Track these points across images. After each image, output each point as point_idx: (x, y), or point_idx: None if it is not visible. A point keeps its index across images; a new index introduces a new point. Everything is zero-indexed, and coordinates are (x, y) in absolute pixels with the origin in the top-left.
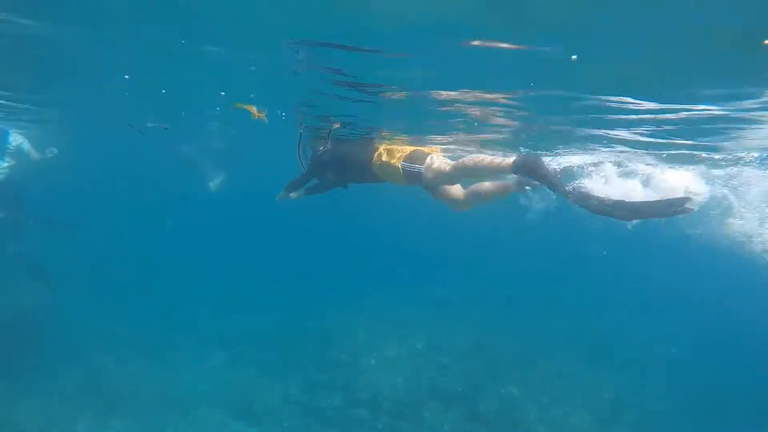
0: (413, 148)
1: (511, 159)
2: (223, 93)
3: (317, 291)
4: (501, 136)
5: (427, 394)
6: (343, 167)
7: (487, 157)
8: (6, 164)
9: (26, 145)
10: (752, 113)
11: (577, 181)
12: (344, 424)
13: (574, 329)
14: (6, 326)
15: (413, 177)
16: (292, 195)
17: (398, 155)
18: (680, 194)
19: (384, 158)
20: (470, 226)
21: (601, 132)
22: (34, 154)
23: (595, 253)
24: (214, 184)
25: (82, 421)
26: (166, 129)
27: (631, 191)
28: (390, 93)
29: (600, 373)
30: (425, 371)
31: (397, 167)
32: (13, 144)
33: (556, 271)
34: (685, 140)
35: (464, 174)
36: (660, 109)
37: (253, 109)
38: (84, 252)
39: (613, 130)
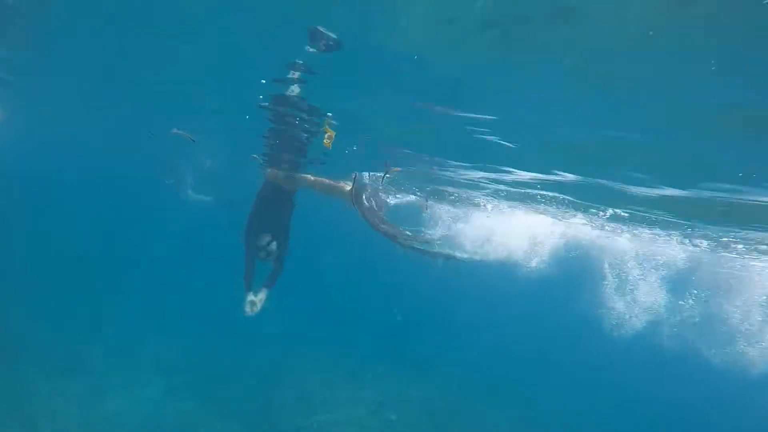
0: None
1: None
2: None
3: (269, 328)
4: None
5: None
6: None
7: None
8: None
9: None
10: None
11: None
12: None
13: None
14: None
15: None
16: (257, 298)
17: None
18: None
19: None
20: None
21: None
22: None
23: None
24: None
25: None
26: (192, 141)
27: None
28: None
29: None
30: (373, 426)
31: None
32: None
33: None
34: None
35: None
36: None
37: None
38: (21, 254)
39: None
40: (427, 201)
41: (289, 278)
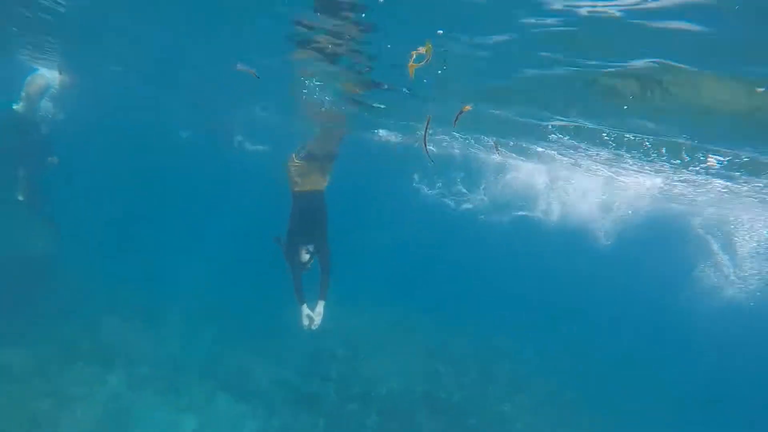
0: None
1: None
2: None
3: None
4: None
5: (420, 398)
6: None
7: None
8: (23, 95)
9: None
10: None
11: None
12: (334, 415)
13: (572, 355)
14: (10, 269)
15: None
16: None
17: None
18: None
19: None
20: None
21: None
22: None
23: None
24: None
25: (75, 371)
26: (257, 78)
27: None
28: None
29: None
30: (421, 375)
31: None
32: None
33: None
34: None
35: None
36: None
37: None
38: (96, 209)
39: None
40: (497, 146)
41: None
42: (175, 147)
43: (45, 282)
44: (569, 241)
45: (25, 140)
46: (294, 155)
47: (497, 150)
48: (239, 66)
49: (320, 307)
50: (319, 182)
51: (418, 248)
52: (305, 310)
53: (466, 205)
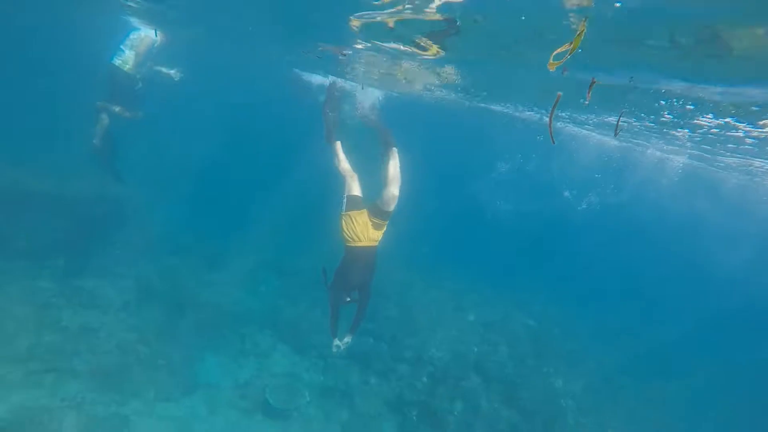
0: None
1: None
2: None
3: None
4: None
5: (472, 367)
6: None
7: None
8: (128, 53)
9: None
10: None
11: None
12: (384, 373)
13: (631, 338)
14: (89, 207)
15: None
16: (342, 342)
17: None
18: None
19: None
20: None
21: None
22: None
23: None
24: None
25: (154, 311)
26: (344, 55)
27: None
28: None
29: (649, 389)
30: (474, 344)
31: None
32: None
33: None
34: None
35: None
36: None
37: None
38: (167, 158)
39: None
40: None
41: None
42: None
43: (120, 222)
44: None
45: (118, 91)
46: (343, 211)
47: (618, 129)
48: (321, 48)
49: (349, 338)
50: (374, 238)
51: (487, 220)
52: (336, 342)
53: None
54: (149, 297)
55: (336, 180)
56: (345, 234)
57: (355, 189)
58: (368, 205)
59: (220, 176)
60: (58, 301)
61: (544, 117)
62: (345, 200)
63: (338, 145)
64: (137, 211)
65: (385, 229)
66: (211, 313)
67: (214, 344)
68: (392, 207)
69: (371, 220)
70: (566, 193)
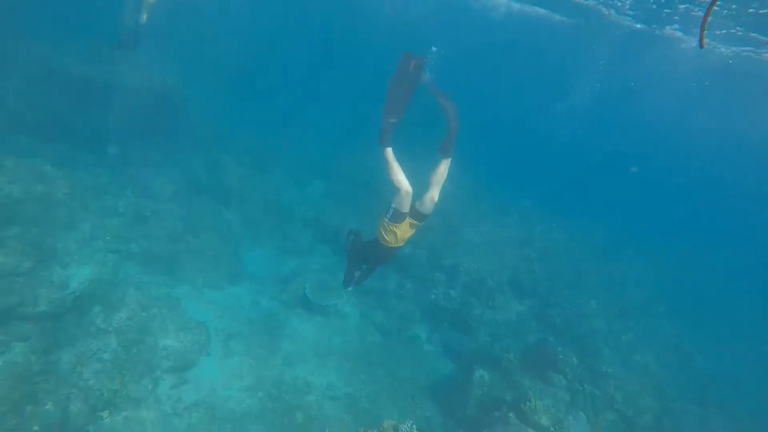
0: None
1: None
2: None
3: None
4: None
5: (506, 281)
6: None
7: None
8: None
9: None
10: None
11: None
12: (421, 279)
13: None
14: (138, 100)
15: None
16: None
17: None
18: None
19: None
20: None
21: None
22: None
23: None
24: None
25: (202, 203)
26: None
27: None
28: None
29: (685, 328)
30: (512, 259)
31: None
32: None
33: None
34: None
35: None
36: None
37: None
38: (218, 52)
39: None
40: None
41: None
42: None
43: (169, 113)
44: None
45: None
46: (387, 218)
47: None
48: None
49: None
50: (407, 239)
51: (529, 134)
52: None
53: None
54: (197, 189)
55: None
56: (381, 235)
57: (406, 205)
58: (409, 211)
59: (272, 75)
60: (114, 188)
61: None
62: (392, 212)
63: (389, 152)
64: (187, 104)
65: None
66: (255, 208)
67: (259, 239)
68: (431, 210)
69: (410, 223)
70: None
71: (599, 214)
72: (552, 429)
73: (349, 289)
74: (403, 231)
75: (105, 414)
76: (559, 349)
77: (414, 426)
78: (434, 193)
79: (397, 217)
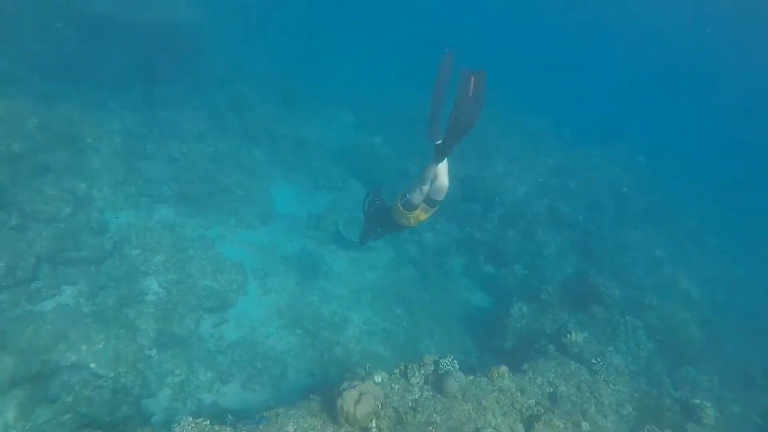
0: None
1: None
2: None
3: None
4: None
5: (544, 212)
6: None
7: None
8: None
9: None
10: None
11: None
12: (456, 211)
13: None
14: (161, 38)
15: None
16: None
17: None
18: None
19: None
20: None
21: None
22: None
23: None
24: None
25: (230, 141)
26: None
27: None
28: None
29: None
30: (551, 191)
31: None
32: None
33: None
34: None
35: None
36: None
37: None
38: None
39: None
40: None
41: None
42: None
43: (195, 51)
44: None
45: None
46: (399, 204)
47: None
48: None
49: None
50: (422, 220)
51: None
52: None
53: None
54: (224, 128)
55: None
56: (396, 215)
57: (420, 197)
58: (423, 200)
59: (296, 8)
60: (140, 130)
61: None
62: (405, 200)
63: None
64: (209, 41)
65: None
66: (284, 145)
67: (289, 176)
68: (443, 196)
69: (423, 208)
70: None
71: (643, 141)
72: (594, 361)
73: (364, 246)
74: (417, 216)
75: (153, 352)
76: (600, 280)
77: (455, 360)
78: (444, 180)
79: (410, 206)
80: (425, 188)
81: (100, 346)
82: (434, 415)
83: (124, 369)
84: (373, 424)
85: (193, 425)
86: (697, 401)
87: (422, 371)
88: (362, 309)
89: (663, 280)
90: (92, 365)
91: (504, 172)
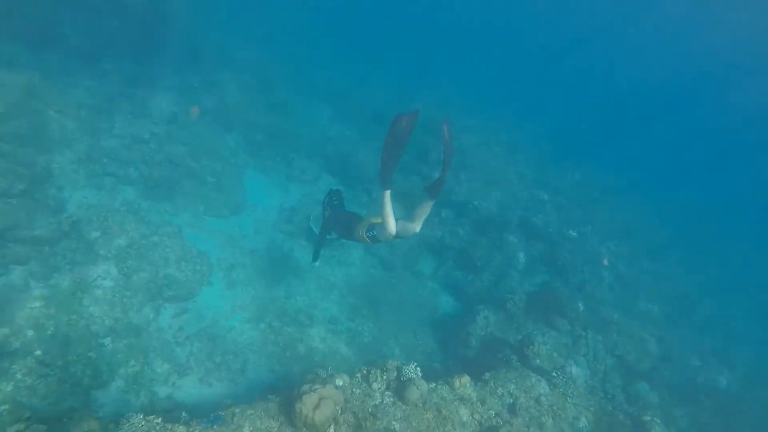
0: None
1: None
2: None
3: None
4: None
5: (516, 222)
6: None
7: None
8: None
9: None
10: None
11: None
12: (429, 215)
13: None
14: (136, 14)
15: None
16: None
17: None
18: None
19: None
20: None
21: None
22: None
23: None
24: None
25: (203, 125)
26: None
27: None
28: None
29: (696, 275)
30: (523, 199)
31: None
32: None
33: None
34: None
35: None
36: None
37: None
38: None
39: None
40: None
41: None
42: None
43: (168, 30)
44: None
45: None
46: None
47: None
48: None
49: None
50: None
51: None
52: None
53: None
54: (199, 111)
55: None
56: (359, 235)
57: (386, 236)
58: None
59: None
60: (110, 106)
61: None
62: (372, 235)
63: (387, 194)
64: (186, 18)
65: None
66: (259, 132)
67: (262, 165)
68: (408, 237)
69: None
70: None
71: (619, 157)
72: (554, 374)
73: (317, 264)
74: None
75: (107, 341)
76: (566, 293)
77: (418, 368)
78: (416, 227)
79: (377, 240)
80: (388, 231)
81: (50, 332)
82: (394, 423)
83: (74, 357)
84: (332, 429)
85: (143, 423)
86: (648, 417)
87: (384, 377)
88: (328, 307)
89: (626, 296)
90: (38, 352)
91: (480, 180)
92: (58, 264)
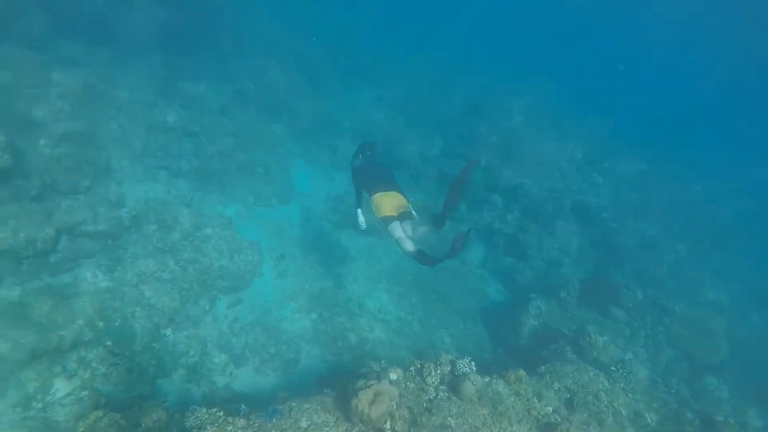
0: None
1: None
2: None
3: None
4: None
5: (568, 205)
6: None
7: None
8: None
9: None
10: None
11: None
12: (476, 201)
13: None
14: (183, 7)
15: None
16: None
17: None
18: None
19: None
20: None
21: None
22: None
23: None
24: None
25: (251, 115)
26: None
27: None
28: None
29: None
30: (576, 182)
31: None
32: None
33: None
34: None
35: None
36: None
37: None
38: None
39: None
40: None
41: None
42: None
43: (214, 21)
44: None
45: None
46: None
47: None
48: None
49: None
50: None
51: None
52: (360, 214)
53: None
54: (244, 101)
55: None
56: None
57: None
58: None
59: None
60: (161, 100)
61: None
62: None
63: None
64: (229, 8)
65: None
66: (305, 120)
67: (309, 153)
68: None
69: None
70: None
71: (677, 141)
72: (613, 368)
73: (361, 220)
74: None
75: (168, 332)
76: (622, 281)
77: (472, 362)
78: (408, 246)
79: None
80: (408, 246)
81: (117, 323)
82: (449, 418)
83: (140, 348)
84: (388, 425)
85: (207, 416)
86: (720, 418)
87: (438, 371)
88: (378, 296)
89: (689, 284)
90: (108, 343)
91: (529, 162)
92: (120, 257)
